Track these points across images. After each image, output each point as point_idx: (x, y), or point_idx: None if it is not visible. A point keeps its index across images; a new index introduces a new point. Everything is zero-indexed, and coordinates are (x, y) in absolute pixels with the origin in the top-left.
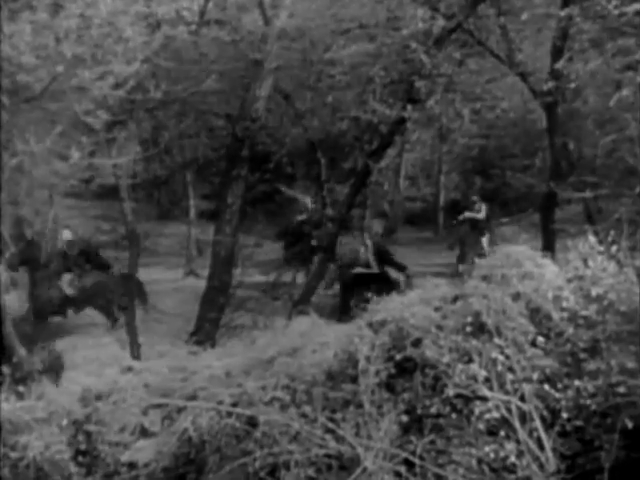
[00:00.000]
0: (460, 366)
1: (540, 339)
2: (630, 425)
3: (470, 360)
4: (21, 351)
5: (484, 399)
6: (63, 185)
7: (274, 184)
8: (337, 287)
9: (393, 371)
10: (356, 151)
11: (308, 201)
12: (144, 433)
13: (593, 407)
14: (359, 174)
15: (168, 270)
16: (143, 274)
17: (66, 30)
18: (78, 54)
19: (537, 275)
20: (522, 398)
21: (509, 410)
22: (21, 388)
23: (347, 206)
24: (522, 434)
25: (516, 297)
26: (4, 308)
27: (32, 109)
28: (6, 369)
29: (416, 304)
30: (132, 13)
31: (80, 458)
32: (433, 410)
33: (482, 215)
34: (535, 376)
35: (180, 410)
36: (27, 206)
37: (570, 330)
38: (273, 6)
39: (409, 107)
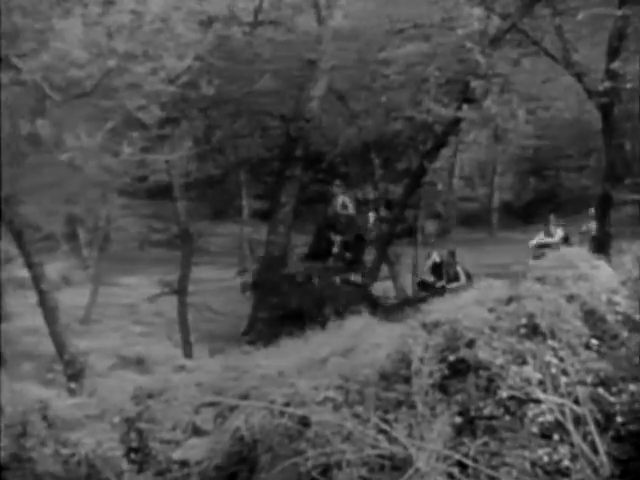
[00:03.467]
0: (514, 368)
1: (594, 342)
2: None
3: (524, 362)
4: (73, 349)
5: (538, 402)
6: (116, 183)
7: (327, 184)
8: None
9: (446, 372)
10: (410, 151)
11: (346, 200)
12: (196, 431)
13: None
14: (413, 174)
15: (221, 269)
16: (196, 273)
17: (117, 26)
18: (129, 50)
19: (591, 277)
20: (576, 401)
21: (563, 413)
22: (73, 385)
23: (401, 206)
24: (576, 438)
25: (570, 299)
26: (57, 306)
27: (83, 105)
28: (59, 366)
29: (470, 305)
30: (184, 10)
31: (132, 455)
32: (486, 412)
33: (556, 239)
34: (589, 379)
35: (232, 409)
36: (79, 204)
37: (624, 333)
38: (328, 6)
39: (464, 107)
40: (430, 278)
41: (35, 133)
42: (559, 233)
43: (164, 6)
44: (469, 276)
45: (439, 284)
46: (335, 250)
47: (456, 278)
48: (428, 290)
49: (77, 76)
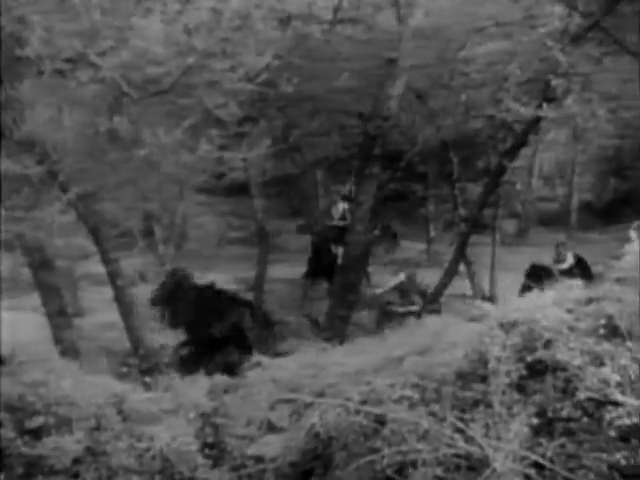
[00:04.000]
0: (592, 369)
1: None
2: None
3: (602, 364)
4: (149, 343)
5: (616, 404)
6: (194, 180)
7: (406, 183)
8: None
9: (524, 372)
10: (489, 150)
11: (346, 208)
12: (271, 428)
13: None
14: (492, 173)
15: (297, 267)
16: (273, 271)
17: (197, 23)
18: (208, 47)
19: None
20: None
21: None
22: (148, 379)
23: (479, 206)
24: None
25: None
26: (133, 302)
27: (161, 103)
28: (134, 360)
29: (548, 305)
30: (265, 8)
31: (207, 450)
32: (564, 413)
33: (566, 266)
34: None
35: (308, 406)
36: (156, 201)
37: None
38: (408, 4)
39: (544, 106)
40: (393, 298)
41: (113, 130)
42: (569, 259)
43: (244, 3)
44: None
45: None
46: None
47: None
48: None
49: (155, 74)
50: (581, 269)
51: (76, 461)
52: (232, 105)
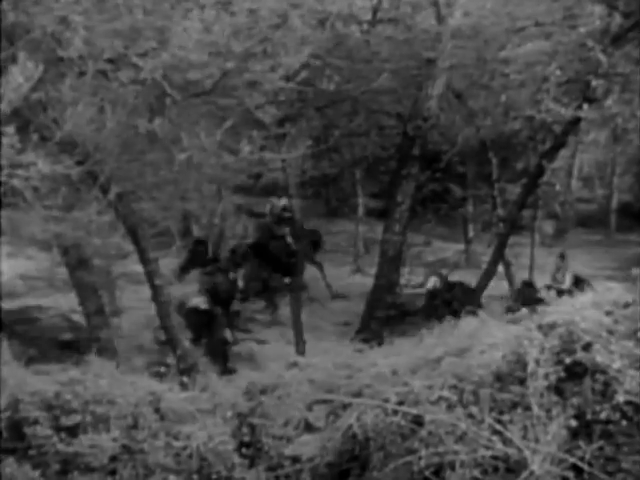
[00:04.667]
0: (631, 372)
1: None
2: None
3: None
4: (185, 343)
5: None
6: (233, 180)
7: (445, 183)
8: None
9: (562, 375)
10: (529, 151)
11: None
12: (308, 428)
13: None
14: (531, 174)
15: (335, 268)
16: (310, 271)
17: (235, 26)
18: (248, 48)
19: None
20: None
21: None
22: (185, 379)
23: (518, 206)
24: None
25: None
26: (170, 301)
27: (202, 104)
28: (171, 360)
29: (587, 308)
30: (304, 8)
31: (244, 450)
32: (603, 416)
33: (565, 287)
34: None
35: (345, 406)
36: (195, 201)
37: None
38: (447, 5)
39: (584, 107)
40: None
41: (153, 131)
42: (568, 280)
43: (281, 3)
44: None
45: None
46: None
47: None
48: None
49: (196, 75)
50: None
51: (113, 459)
52: (272, 106)
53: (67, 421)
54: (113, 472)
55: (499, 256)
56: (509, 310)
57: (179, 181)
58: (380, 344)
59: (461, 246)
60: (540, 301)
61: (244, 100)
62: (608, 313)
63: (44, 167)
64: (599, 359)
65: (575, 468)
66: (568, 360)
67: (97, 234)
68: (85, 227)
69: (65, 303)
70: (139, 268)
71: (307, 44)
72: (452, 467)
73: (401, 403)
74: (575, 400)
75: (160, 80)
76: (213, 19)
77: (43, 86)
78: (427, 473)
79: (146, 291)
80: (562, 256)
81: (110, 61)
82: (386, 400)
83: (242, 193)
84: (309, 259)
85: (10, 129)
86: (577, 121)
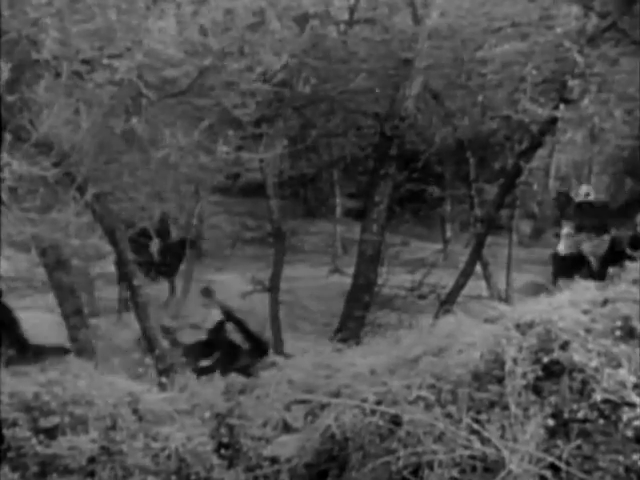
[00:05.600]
0: (608, 371)
1: None
2: None
3: (619, 365)
4: (164, 343)
5: (633, 406)
6: (210, 181)
7: (422, 183)
8: None
9: (540, 374)
10: (506, 151)
11: None
12: (286, 428)
13: None
14: (509, 174)
15: (313, 268)
16: (288, 271)
17: (212, 23)
18: (224, 47)
19: None
20: None
21: None
22: (164, 379)
23: (496, 206)
24: None
25: None
26: (148, 302)
27: (179, 104)
28: (149, 360)
29: (565, 306)
30: (280, 6)
31: (222, 451)
32: (580, 415)
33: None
34: None
35: (323, 407)
36: (172, 201)
37: None
38: (424, 5)
39: (561, 107)
40: None
41: (130, 131)
42: None
43: (257, 2)
44: None
45: None
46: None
47: None
48: None
49: (172, 75)
50: None
51: (91, 460)
52: (249, 105)
53: (46, 422)
54: (92, 474)
55: (477, 256)
56: None
57: (156, 181)
58: (358, 344)
59: (439, 246)
60: None
61: (221, 100)
62: (585, 312)
63: (19, 168)
64: (577, 358)
65: (553, 467)
66: (546, 359)
67: (75, 235)
68: (63, 228)
69: (44, 304)
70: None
71: (285, 44)
72: (430, 467)
73: (379, 403)
74: (553, 399)
75: (135, 80)
76: (189, 17)
77: (18, 88)
78: (405, 473)
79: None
80: None
81: (85, 62)
82: (364, 400)
83: (220, 193)
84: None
85: None
86: (554, 121)
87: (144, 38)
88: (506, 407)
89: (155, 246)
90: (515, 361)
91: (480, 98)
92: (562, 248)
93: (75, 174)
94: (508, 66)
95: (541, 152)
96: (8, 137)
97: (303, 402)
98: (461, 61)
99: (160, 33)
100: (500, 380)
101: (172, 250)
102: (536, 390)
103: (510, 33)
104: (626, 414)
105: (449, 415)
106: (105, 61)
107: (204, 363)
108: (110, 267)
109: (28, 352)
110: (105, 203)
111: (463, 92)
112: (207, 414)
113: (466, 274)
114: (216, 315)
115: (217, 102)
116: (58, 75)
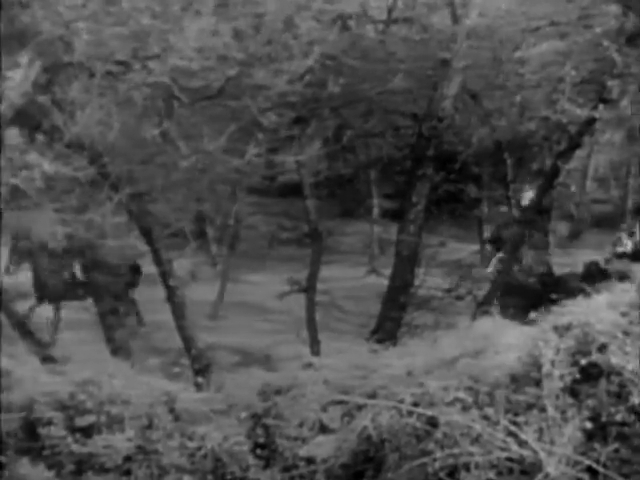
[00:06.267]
0: None
1: None
2: None
3: None
4: (200, 344)
5: None
6: (246, 182)
7: (460, 184)
8: None
9: (578, 376)
10: (544, 152)
11: None
12: (323, 429)
13: None
14: (547, 175)
15: (350, 268)
16: (325, 271)
17: (236, 31)
18: (254, 52)
19: None
20: None
21: None
22: (200, 379)
23: (533, 207)
24: None
25: None
26: (185, 302)
27: (211, 106)
28: (185, 360)
29: (602, 309)
30: (313, 8)
31: (258, 451)
32: (618, 418)
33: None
34: None
35: (360, 407)
36: (209, 202)
37: None
38: (463, 5)
39: (600, 107)
40: None
41: (162, 133)
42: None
43: (285, 6)
44: None
45: None
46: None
47: None
48: None
49: (205, 78)
50: None
51: (127, 459)
52: (280, 109)
53: (81, 421)
54: (128, 472)
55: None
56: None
57: (192, 182)
58: (394, 344)
59: (476, 247)
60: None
61: (250, 104)
62: (624, 314)
63: (50, 168)
64: (614, 360)
65: (590, 470)
66: (583, 361)
67: (111, 235)
68: (99, 228)
69: (79, 303)
70: (153, 269)
71: (317, 45)
72: (467, 469)
73: (416, 404)
74: (590, 402)
75: (168, 83)
76: (220, 22)
77: (52, 88)
78: (442, 475)
79: (160, 292)
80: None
81: (119, 63)
82: (401, 401)
83: (257, 194)
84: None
85: (14, 130)
86: (592, 121)
87: (177, 42)
88: (543, 410)
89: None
90: (552, 363)
91: (518, 98)
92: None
93: (109, 174)
94: (546, 66)
95: (579, 153)
96: (41, 137)
97: (339, 403)
98: (499, 61)
99: (190, 37)
100: (537, 382)
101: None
102: (573, 393)
103: (549, 33)
104: None
105: (486, 417)
106: (139, 63)
107: None
108: (147, 267)
109: None
110: (141, 203)
111: (501, 92)
112: (243, 414)
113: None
114: None
115: (248, 105)
116: (92, 76)
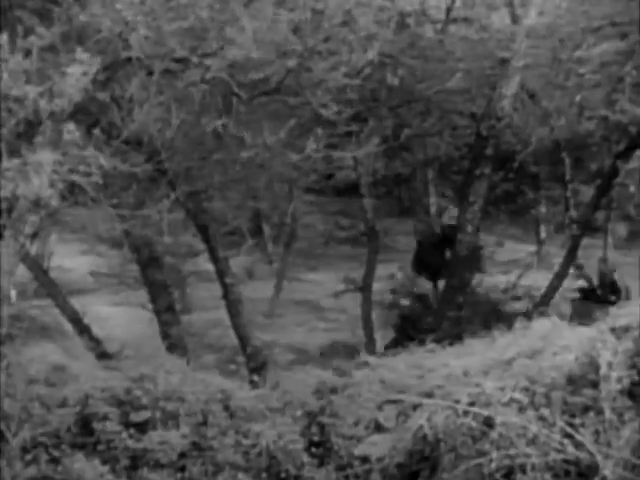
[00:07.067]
0: None
1: None
2: None
3: None
4: (255, 341)
5: None
6: (303, 180)
7: (518, 184)
8: None
9: (636, 378)
10: (603, 151)
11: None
12: (378, 428)
13: None
14: (605, 175)
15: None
16: (381, 270)
17: (297, 24)
18: (313, 46)
19: None
20: None
21: None
22: (255, 377)
23: (592, 208)
24: None
25: None
26: (241, 300)
27: (269, 102)
28: (241, 358)
29: None
30: (374, 6)
31: (313, 449)
32: None
33: None
34: None
35: (415, 407)
36: (266, 200)
37: None
38: (522, 4)
39: None
40: None
41: (221, 130)
42: None
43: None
44: None
45: None
46: None
47: None
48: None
49: (263, 74)
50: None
51: (182, 455)
52: (339, 104)
53: (136, 417)
54: (182, 469)
55: (571, 258)
56: None
57: (249, 180)
58: (452, 344)
59: (533, 247)
60: None
61: (309, 98)
62: None
63: (107, 164)
64: None
65: None
66: None
67: (168, 232)
68: (155, 225)
69: (136, 300)
70: (210, 266)
71: (374, 42)
72: (523, 470)
73: (472, 404)
74: None
75: (227, 79)
76: (278, 17)
77: (110, 85)
78: (498, 476)
79: (217, 289)
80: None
81: (177, 60)
82: (457, 401)
83: (314, 193)
84: None
85: (71, 125)
86: None
87: (236, 37)
88: (600, 412)
89: None
90: (610, 365)
91: (577, 98)
92: None
93: (166, 171)
94: (606, 66)
95: (638, 153)
96: (99, 134)
97: (395, 402)
98: (559, 61)
99: (251, 32)
100: (595, 384)
101: None
102: (631, 395)
103: (609, 32)
104: None
105: (542, 418)
106: (197, 60)
107: None
108: (203, 265)
109: None
110: (198, 201)
111: (560, 92)
112: (298, 412)
113: (560, 276)
114: None
115: (306, 101)
116: (150, 73)
